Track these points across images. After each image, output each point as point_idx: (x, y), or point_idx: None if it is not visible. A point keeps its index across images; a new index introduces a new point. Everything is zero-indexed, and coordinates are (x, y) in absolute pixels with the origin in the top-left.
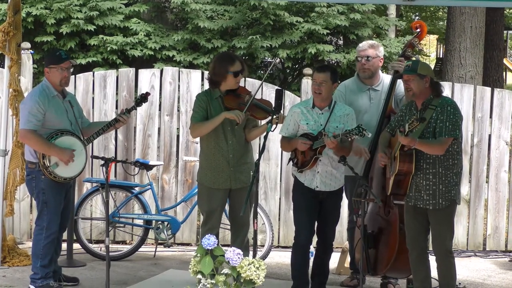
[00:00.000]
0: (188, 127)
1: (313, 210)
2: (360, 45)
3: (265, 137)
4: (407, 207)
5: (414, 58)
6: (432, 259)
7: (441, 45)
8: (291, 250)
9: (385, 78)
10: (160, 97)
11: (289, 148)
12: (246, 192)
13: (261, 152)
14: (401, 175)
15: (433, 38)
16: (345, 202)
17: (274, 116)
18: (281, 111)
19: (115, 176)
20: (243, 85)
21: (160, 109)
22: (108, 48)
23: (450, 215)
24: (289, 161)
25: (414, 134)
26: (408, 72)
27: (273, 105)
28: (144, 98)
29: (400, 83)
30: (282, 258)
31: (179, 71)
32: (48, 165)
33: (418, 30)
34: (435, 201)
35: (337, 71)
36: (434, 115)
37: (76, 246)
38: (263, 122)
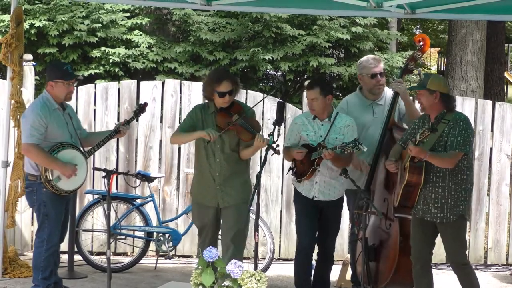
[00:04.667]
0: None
1: (314, 216)
2: (369, 62)
3: (267, 150)
4: (414, 219)
5: (416, 71)
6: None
7: (443, 58)
8: (292, 262)
9: (388, 92)
10: (162, 109)
11: (289, 158)
12: (235, 211)
13: (262, 165)
14: (410, 187)
15: (434, 51)
16: (346, 215)
17: (276, 128)
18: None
19: (117, 188)
20: (245, 98)
21: (161, 121)
22: (110, 60)
23: (458, 230)
24: (288, 170)
25: (425, 145)
26: (417, 88)
27: (275, 118)
28: (142, 108)
29: (401, 100)
30: (283, 270)
31: (180, 83)
32: (51, 178)
33: (421, 43)
34: (442, 215)
35: (328, 82)
36: (446, 129)
37: (77, 257)
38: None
